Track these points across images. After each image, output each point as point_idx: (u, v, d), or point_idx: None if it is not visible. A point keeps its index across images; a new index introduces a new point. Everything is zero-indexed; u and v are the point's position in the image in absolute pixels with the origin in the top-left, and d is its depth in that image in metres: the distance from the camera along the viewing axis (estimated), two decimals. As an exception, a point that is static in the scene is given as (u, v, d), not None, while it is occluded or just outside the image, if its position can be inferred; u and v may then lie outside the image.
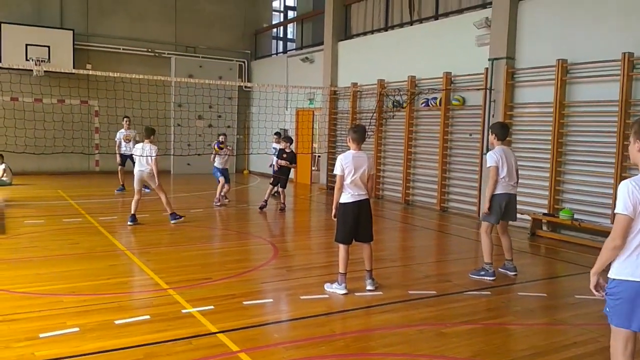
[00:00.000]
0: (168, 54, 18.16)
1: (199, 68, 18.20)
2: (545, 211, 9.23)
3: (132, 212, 9.00)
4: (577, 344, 4.39)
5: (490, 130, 6.46)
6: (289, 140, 11.09)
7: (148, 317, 4.68)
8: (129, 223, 8.91)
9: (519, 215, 9.37)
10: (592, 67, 8.66)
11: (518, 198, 6.53)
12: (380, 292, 5.58)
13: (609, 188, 8.37)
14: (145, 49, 17.83)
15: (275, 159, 11.32)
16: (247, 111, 19.17)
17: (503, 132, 6.31)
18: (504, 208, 6.25)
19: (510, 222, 6.57)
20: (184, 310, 4.87)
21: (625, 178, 8.18)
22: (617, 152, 8.20)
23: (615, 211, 2.90)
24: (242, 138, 19.42)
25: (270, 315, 4.89)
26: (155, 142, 9.23)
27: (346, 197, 5.53)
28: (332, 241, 8.28)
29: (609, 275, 2.98)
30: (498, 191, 6.19)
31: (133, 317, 4.64)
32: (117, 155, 13.14)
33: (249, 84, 17.73)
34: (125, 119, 13.06)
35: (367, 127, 7.46)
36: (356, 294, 5.53)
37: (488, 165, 6.21)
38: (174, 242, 8.07)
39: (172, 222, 9.15)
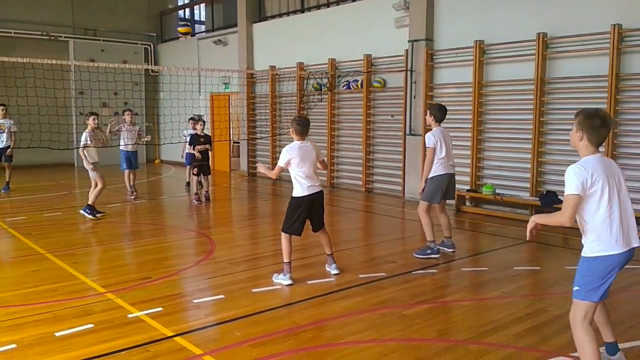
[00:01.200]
0: (65, 37, 16.82)
1: (101, 52, 17.06)
2: (469, 187, 9.60)
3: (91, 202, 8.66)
4: (529, 315, 4.57)
5: (428, 112, 6.54)
6: (202, 122, 10.57)
7: (91, 325, 4.28)
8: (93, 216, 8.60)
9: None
10: (508, 47, 9.04)
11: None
12: (333, 279, 5.51)
13: (527, 163, 8.85)
14: (40, 33, 16.38)
15: (189, 146, 10.52)
16: (156, 97, 18.28)
17: (441, 114, 6.40)
18: (446, 188, 6.38)
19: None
20: (130, 315, 4.51)
21: (542, 153, 8.66)
22: (534, 128, 8.66)
23: (565, 193, 3.06)
24: (152, 126, 18.50)
25: (226, 312, 4.64)
26: (98, 127, 8.90)
27: (300, 190, 5.38)
28: (267, 230, 8.23)
29: (583, 254, 3.17)
30: (440, 172, 6.31)
31: (74, 327, 4.22)
32: None
33: (156, 68, 16.88)
34: (0, 107, 11.72)
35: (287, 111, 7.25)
36: (308, 282, 5.42)
37: (427, 147, 6.30)
38: (99, 240, 7.51)
39: (81, 212, 8.65)
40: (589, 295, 3.10)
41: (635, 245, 3.15)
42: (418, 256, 6.35)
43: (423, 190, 6.41)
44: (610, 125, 3.14)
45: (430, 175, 6.36)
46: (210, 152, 10.53)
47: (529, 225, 3.25)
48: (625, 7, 7.72)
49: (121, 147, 10.66)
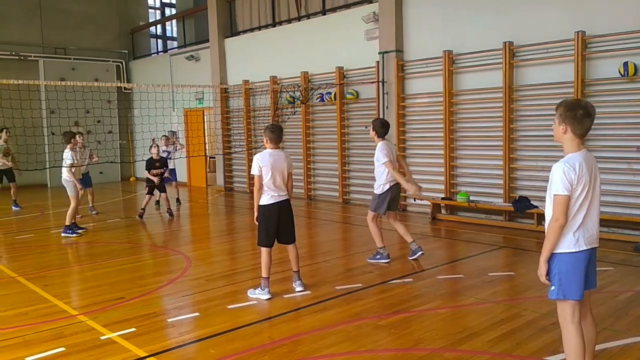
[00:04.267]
0: (35, 57, 16.61)
1: (72, 71, 16.91)
2: (443, 195, 9.69)
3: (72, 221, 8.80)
4: (504, 320, 4.61)
5: (371, 128, 6.61)
6: (156, 145, 10.73)
7: (63, 349, 4.19)
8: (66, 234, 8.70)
9: (419, 202, 9.82)
10: (476, 56, 9.20)
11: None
12: (309, 292, 5.49)
13: (499, 169, 8.97)
14: (9, 53, 16.14)
15: (145, 171, 10.63)
16: (129, 114, 18.12)
17: (384, 129, 6.50)
18: (392, 198, 6.57)
19: (411, 209, 6.84)
20: (102, 337, 4.43)
21: (513, 159, 8.79)
22: (504, 135, 8.80)
23: (554, 193, 3.02)
24: (126, 143, 18.35)
25: (201, 330, 4.59)
26: (77, 147, 9.15)
27: (266, 199, 5.35)
28: (244, 245, 8.18)
29: (553, 251, 3.13)
30: (392, 183, 6.44)
31: (45, 352, 4.14)
32: None
33: (128, 85, 16.77)
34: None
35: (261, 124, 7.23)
36: (284, 296, 5.40)
37: (383, 162, 6.39)
38: (72, 262, 7.39)
39: (63, 234, 8.66)
40: (565, 292, 3.06)
41: (596, 245, 3.14)
42: (370, 261, 6.65)
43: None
44: (593, 114, 3.04)
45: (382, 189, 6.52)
46: (164, 173, 10.59)
47: (542, 271, 3.11)
48: (589, 14, 7.92)
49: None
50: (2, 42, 16.06)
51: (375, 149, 6.53)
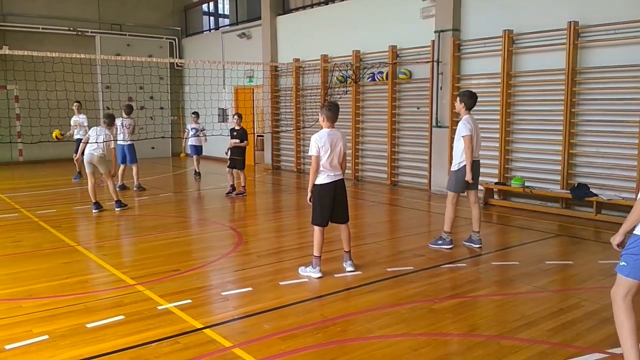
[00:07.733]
0: (92, 32, 16.99)
1: (127, 47, 17.21)
2: (497, 180, 9.44)
3: (94, 200, 8.77)
4: (563, 310, 4.46)
5: (458, 99, 6.43)
6: (238, 116, 10.62)
7: (122, 317, 4.31)
8: (94, 211, 8.68)
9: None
10: (538, 36, 8.83)
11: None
12: (360, 272, 5.47)
13: (557, 155, 8.65)
14: (67, 28, 16.58)
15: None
16: (181, 91, 18.39)
17: (472, 101, 6.30)
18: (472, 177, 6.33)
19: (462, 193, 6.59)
20: (160, 307, 4.54)
21: (573, 145, 8.45)
22: (565, 119, 8.46)
23: None
24: (177, 119, 18.66)
25: (254, 304, 4.63)
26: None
27: (322, 178, 5.32)
28: (292, 223, 8.23)
29: (635, 232, 3.03)
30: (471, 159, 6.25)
31: (105, 319, 4.26)
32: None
33: (181, 62, 16.96)
34: (75, 104, 12.57)
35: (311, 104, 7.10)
36: (335, 275, 5.39)
37: (463, 135, 6.20)
38: (127, 233, 7.59)
39: (117, 209, 8.84)
40: (635, 274, 3.03)
41: None
42: (431, 246, 6.45)
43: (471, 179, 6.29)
44: None
45: (459, 166, 6.30)
46: (241, 147, 10.39)
47: (617, 240, 3.16)
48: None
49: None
50: (60, 18, 16.48)
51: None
